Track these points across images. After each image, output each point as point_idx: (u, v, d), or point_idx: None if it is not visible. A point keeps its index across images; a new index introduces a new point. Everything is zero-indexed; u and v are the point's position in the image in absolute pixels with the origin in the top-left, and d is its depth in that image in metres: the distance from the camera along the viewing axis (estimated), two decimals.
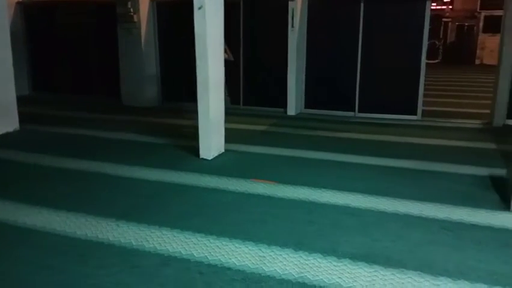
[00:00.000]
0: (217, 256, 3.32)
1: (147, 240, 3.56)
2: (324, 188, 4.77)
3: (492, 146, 6.47)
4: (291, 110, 8.97)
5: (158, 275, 3.07)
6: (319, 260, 3.27)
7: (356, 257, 3.31)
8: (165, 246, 3.46)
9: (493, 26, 18.50)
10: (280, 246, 3.47)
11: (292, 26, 8.58)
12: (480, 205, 4.29)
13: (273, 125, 8.09)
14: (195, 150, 5.93)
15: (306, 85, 9.20)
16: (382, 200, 4.42)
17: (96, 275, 3.06)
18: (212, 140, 5.83)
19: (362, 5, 8.47)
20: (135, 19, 9.54)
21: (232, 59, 6.95)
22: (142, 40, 9.69)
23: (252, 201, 4.45)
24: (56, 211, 4.14)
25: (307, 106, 9.28)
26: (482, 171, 5.29)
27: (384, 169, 5.46)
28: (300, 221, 3.95)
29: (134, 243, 3.52)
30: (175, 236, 3.64)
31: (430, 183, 4.96)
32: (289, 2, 8.48)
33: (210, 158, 5.83)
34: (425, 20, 8.10)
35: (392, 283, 2.97)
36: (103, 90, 10.81)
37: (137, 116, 8.86)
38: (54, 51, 11.27)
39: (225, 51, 6.71)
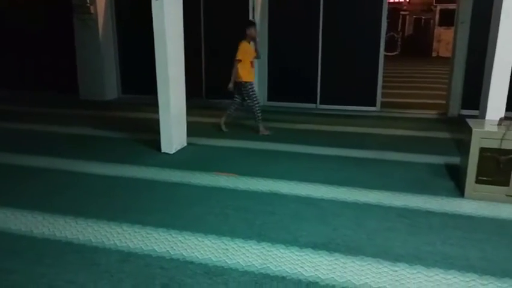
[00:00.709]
0: (179, 250, 3.29)
1: (107, 237, 3.48)
2: (286, 179, 4.82)
3: (447, 135, 6.72)
4: None
5: (118, 271, 3.01)
6: (281, 250, 3.30)
7: (317, 246, 3.36)
8: (126, 243, 3.40)
9: (448, 19, 19.13)
10: (243, 239, 3.48)
11: (253, 17, 8.56)
12: (436, 192, 4.45)
13: (235, 118, 8.05)
14: (156, 145, 5.84)
15: (268, 78, 9.22)
16: (342, 190, 4.51)
17: (50, 274, 2.97)
18: (173, 133, 5.75)
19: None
20: (92, 10, 9.25)
21: (259, 57, 7.02)
22: (100, 32, 9.42)
23: (214, 194, 4.43)
24: (11, 210, 3.98)
25: (269, 98, 9.32)
26: (438, 159, 5.49)
27: (344, 159, 5.57)
28: (262, 213, 3.98)
29: (93, 241, 3.43)
30: (136, 232, 3.58)
31: (388, 172, 5.10)
32: None
33: (171, 152, 5.76)
34: (383, 13, 8.28)
35: (352, 270, 3.04)
36: (59, 84, 10.44)
37: (96, 110, 8.62)
38: (6, 43, 10.77)
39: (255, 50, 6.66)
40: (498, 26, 4.52)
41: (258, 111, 6.73)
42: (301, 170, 5.16)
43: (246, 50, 6.63)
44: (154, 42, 5.49)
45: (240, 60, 6.55)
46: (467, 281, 2.91)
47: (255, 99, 6.70)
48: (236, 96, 6.86)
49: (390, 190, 4.51)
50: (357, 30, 8.54)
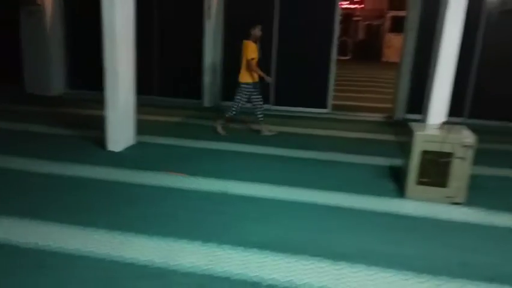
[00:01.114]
0: (120, 252, 3.19)
1: (43, 238, 3.32)
2: (236, 179, 4.80)
3: (392, 138, 6.96)
4: (207, 102, 8.90)
5: (59, 273, 2.87)
6: (228, 251, 3.28)
7: (264, 246, 3.37)
8: (64, 244, 3.25)
9: (398, 25, 19.82)
10: (189, 239, 3.43)
11: (209, 17, 8.49)
12: (380, 193, 4.59)
13: (188, 117, 7.97)
14: (103, 142, 5.65)
15: (222, 77, 9.18)
16: (292, 190, 4.55)
17: None
18: (121, 131, 5.59)
19: (277, 0, 8.62)
20: (39, 1, 8.83)
21: (269, 80, 6.84)
22: (47, 24, 9.00)
23: (161, 194, 4.34)
24: None
25: (224, 98, 9.26)
26: (383, 161, 5.66)
27: (294, 160, 5.63)
28: (211, 213, 3.94)
29: (40, 244, 3.26)
30: (77, 233, 3.44)
31: (336, 173, 5.21)
32: None
33: (118, 150, 5.59)
34: (335, 19, 8.46)
35: (295, 270, 3.07)
36: (3, 76, 9.87)
37: (42, 105, 8.23)
38: None
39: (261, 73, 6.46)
40: (442, 35, 4.73)
41: (261, 113, 6.70)
42: (252, 170, 5.17)
43: (254, 50, 6.49)
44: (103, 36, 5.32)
45: (254, 59, 6.41)
46: (406, 279, 3.01)
47: (259, 100, 6.66)
48: (256, 98, 6.71)
49: (337, 191, 4.60)
50: (311, 34, 8.66)
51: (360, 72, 17.72)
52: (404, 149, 4.94)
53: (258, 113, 6.74)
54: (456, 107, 7.96)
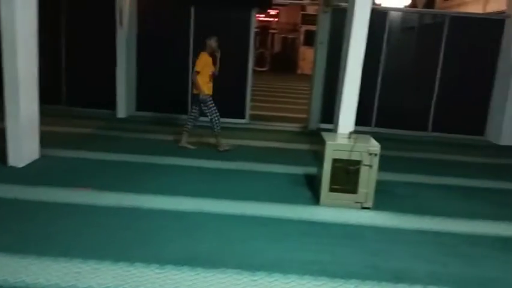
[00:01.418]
0: (21, 277, 2.90)
1: None
2: (151, 193, 4.64)
3: (307, 147, 7.20)
4: (121, 112, 8.56)
5: None
6: (141, 269, 3.13)
7: (180, 261, 3.26)
8: None
9: (311, 39, 20.77)
10: (98, 259, 3.21)
11: (121, 24, 8.20)
12: (295, 201, 4.70)
13: (100, 128, 7.59)
14: (3, 157, 5.16)
15: (137, 86, 8.90)
16: (208, 202, 4.50)
17: None
18: (23, 144, 5.15)
19: (192, 10, 8.56)
20: None
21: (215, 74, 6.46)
22: None
23: (67, 211, 4.05)
24: None
25: (139, 108, 8.98)
26: (299, 170, 5.82)
27: (212, 171, 5.58)
28: (122, 230, 3.74)
29: None
30: None
31: (253, 183, 5.24)
32: (116, 0, 8.08)
33: (20, 166, 5.13)
34: (251, 30, 8.61)
35: (212, 284, 3.01)
36: None
37: None
38: None
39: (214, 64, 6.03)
40: (348, 51, 5.00)
41: (218, 125, 6.45)
42: (167, 182, 5.03)
43: (205, 62, 6.24)
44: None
45: (198, 72, 6.20)
46: (320, 285, 3.09)
47: (214, 112, 6.40)
48: (193, 109, 6.52)
49: (254, 200, 4.63)
50: (227, 45, 8.70)
51: (277, 83, 18.24)
52: (318, 157, 5.12)
53: (189, 123, 6.62)
54: (365, 117, 8.52)
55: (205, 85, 6.33)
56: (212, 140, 6.80)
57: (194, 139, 6.89)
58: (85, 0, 8.66)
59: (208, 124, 6.60)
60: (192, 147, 6.64)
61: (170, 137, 7.25)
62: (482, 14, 10.15)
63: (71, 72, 8.89)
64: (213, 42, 6.42)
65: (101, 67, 8.63)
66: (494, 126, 8.56)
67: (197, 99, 6.40)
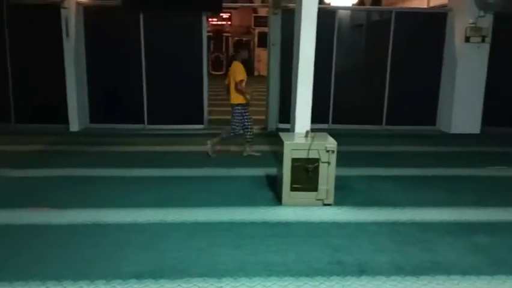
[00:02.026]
0: None
1: None
2: (110, 207, 4.52)
3: (267, 148, 7.24)
4: (74, 126, 8.29)
5: None
6: (102, 286, 3.04)
7: (143, 275, 3.20)
8: None
9: (265, 41, 20.92)
10: (57, 280, 3.10)
11: (68, 35, 7.95)
12: (258, 203, 4.71)
13: (52, 144, 7.33)
14: None
15: (90, 98, 8.66)
16: (170, 211, 4.43)
17: None
18: None
19: (141, 17, 8.43)
20: None
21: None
22: None
23: (24, 233, 3.88)
24: None
25: (93, 120, 8.74)
26: (260, 172, 5.84)
27: (172, 179, 5.51)
28: (82, 248, 3.63)
29: None
30: None
31: (215, 188, 5.21)
32: (62, 10, 7.82)
33: None
34: (203, 34, 8.57)
35: None
36: None
37: None
38: None
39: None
40: (299, 51, 5.07)
41: (233, 134, 6.53)
42: (127, 195, 4.91)
43: (243, 71, 6.22)
44: None
45: (243, 80, 6.23)
46: (285, 285, 3.11)
47: (235, 124, 6.49)
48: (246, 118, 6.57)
49: (217, 206, 4.61)
50: (181, 51, 8.65)
51: None
52: (277, 158, 5.16)
53: (247, 134, 6.59)
54: (321, 115, 8.67)
55: (244, 94, 6.41)
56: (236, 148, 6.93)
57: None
58: (29, 13, 8.33)
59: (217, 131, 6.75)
60: (256, 154, 6.70)
61: (126, 148, 7.10)
62: (426, 8, 10.54)
63: (19, 87, 8.53)
64: (246, 54, 6.75)
65: (50, 80, 8.34)
66: (444, 116, 8.93)
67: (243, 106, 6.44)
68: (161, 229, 4.02)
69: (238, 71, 6.26)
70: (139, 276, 3.18)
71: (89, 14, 8.40)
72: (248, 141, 6.69)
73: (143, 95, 8.68)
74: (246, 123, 6.56)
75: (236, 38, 25.46)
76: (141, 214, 4.35)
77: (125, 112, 8.76)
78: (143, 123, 8.78)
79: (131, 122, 8.71)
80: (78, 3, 8.18)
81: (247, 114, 6.58)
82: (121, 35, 8.58)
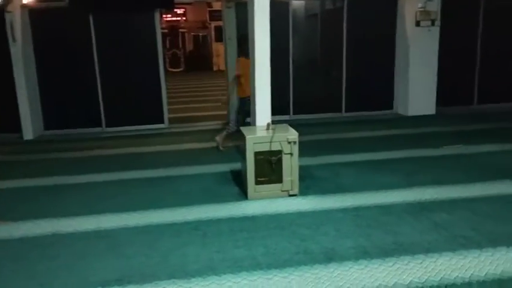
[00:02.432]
0: None
1: None
2: (71, 215, 4.37)
3: (230, 143, 7.18)
4: (28, 134, 7.96)
5: None
6: None
7: (109, 283, 3.11)
8: None
9: (222, 35, 20.79)
10: None
11: (14, 40, 7.59)
12: (223, 199, 4.69)
13: (4, 154, 7.03)
14: None
15: (42, 104, 8.33)
16: (134, 215, 4.34)
17: None
18: None
19: (91, 16, 8.16)
20: None
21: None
22: None
23: None
24: None
25: (48, 127, 8.42)
26: (224, 167, 5.81)
27: (134, 182, 5.39)
28: (43, 259, 3.49)
29: None
30: None
31: (180, 187, 5.15)
32: (6, 14, 7.45)
33: None
34: (157, 31, 8.39)
35: None
36: None
37: None
38: None
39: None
40: (254, 43, 5.04)
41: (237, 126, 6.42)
42: (88, 201, 4.77)
43: (247, 65, 5.93)
44: None
45: (240, 75, 6.41)
46: (254, 279, 3.11)
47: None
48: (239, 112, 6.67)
49: (183, 205, 4.55)
50: (135, 49, 8.44)
51: (195, 82, 18.06)
52: (241, 152, 5.14)
53: (231, 125, 6.71)
54: (282, 107, 8.72)
55: (248, 87, 6.20)
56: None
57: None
58: None
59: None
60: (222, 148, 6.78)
61: (85, 153, 6.88)
62: None
63: None
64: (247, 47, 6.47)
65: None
66: (400, 99, 9.17)
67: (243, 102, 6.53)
68: (125, 234, 3.93)
69: (240, 66, 6.50)
70: (105, 284, 3.10)
71: (35, 17, 8.05)
72: (225, 134, 6.82)
73: (99, 97, 8.43)
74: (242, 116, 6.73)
75: (192, 34, 25.24)
76: (104, 220, 4.23)
77: (81, 116, 8.49)
78: (101, 126, 8.54)
79: (88, 126, 8.45)
80: (23, 7, 7.81)
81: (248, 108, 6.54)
82: (71, 36, 8.28)
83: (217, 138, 6.82)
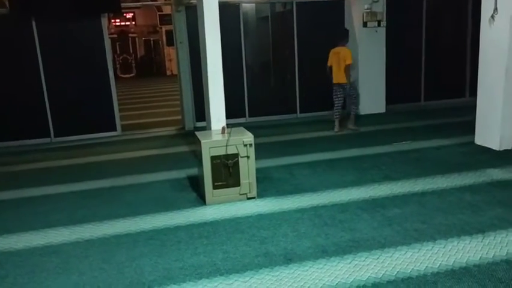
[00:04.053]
0: None
1: None
2: (19, 231, 4.15)
3: (186, 149, 7.11)
4: None
5: None
6: None
7: None
8: None
9: (173, 39, 20.54)
10: None
11: None
12: (181, 206, 4.61)
13: None
14: None
15: None
16: (86, 228, 4.17)
17: None
18: None
19: (34, 24, 7.79)
20: None
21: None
22: None
23: None
24: None
25: None
26: (180, 173, 5.72)
27: (86, 193, 5.19)
28: None
29: None
30: None
31: (135, 197, 5.00)
32: None
33: None
34: (105, 36, 8.14)
35: None
36: None
37: None
38: None
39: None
40: (205, 47, 5.00)
41: (358, 104, 7.93)
42: (37, 216, 4.55)
43: (334, 55, 7.42)
44: None
45: (351, 64, 7.37)
46: (215, 286, 3.06)
47: (355, 93, 7.81)
48: (339, 97, 7.57)
49: (137, 215, 4.42)
50: (82, 55, 8.15)
51: (147, 87, 17.74)
52: (197, 157, 5.08)
53: (354, 108, 7.76)
54: (238, 110, 8.72)
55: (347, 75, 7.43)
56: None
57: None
58: None
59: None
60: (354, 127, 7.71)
61: (32, 165, 6.57)
62: None
63: None
64: (347, 39, 7.80)
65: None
66: None
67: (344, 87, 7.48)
68: (78, 248, 3.77)
69: (348, 55, 7.29)
70: None
71: None
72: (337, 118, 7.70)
73: (46, 107, 8.07)
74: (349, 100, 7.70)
75: (143, 38, 24.77)
76: (55, 235, 4.05)
77: (27, 127, 8.08)
78: (50, 136, 8.17)
79: (35, 137, 8.06)
80: None
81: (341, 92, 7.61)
82: (13, 44, 7.86)
83: (350, 126, 7.70)
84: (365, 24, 8.81)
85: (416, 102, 9.85)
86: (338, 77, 7.39)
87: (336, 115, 7.65)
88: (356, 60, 9.00)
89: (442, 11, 9.97)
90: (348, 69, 7.35)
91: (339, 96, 7.57)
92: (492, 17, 5.80)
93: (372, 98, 9.10)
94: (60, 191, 5.31)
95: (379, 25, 8.84)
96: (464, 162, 5.55)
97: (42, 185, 5.56)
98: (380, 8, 8.78)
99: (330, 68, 7.51)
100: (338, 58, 7.35)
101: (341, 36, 7.66)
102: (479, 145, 6.24)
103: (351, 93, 7.60)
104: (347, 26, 9.16)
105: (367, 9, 8.70)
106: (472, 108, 6.43)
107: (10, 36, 7.82)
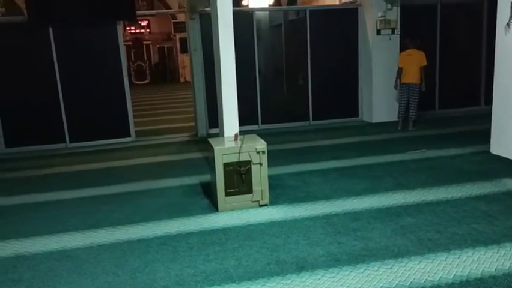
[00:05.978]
0: None
1: None
2: (34, 235, 4.21)
3: (199, 155, 7.14)
4: None
5: None
6: None
7: None
8: None
9: (187, 46, 20.74)
10: None
11: None
12: (193, 212, 4.63)
13: None
14: None
15: (2, 122, 8.01)
16: (100, 233, 4.21)
17: None
18: None
19: (51, 31, 7.94)
20: None
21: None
22: None
23: None
24: None
25: (8, 145, 8.11)
26: (193, 180, 5.75)
27: (101, 199, 5.24)
28: (2, 284, 3.33)
29: None
30: None
31: (148, 202, 5.04)
32: None
33: None
34: (120, 43, 8.26)
35: None
36: None
37: None
38: None
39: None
40: (219, 54, 5.03)
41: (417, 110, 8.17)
42: (52, 220, 4.60)
43: (405, 58, 7.93)
44: None
45: (401, 68, 7.96)
46: None
47: (418, 98, 8.07)
48: (405, 97, 8.05)
49: (152, 221, 4.45)
50: (98, 62, 8.27)
51: (161, 94, 17.90)
52: (210, 164, 5.10)
53: (413, 110, 8.12)
54: (251, 117, 8.75)
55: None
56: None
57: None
58: None
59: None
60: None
61: (48, 171, 6.66)
62: (338, 5, 10.97)
63: None
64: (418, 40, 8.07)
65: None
66: (365, 107, 9.36)
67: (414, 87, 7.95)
68: (92, 253, 3.80)
69: (423, 58, 7.84)
70: None
71: None
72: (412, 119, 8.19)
73: (62, 113, 8.20)
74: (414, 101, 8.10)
75: (157, 46, 25.05)
76: (69, 239, 4.09)
77: (43, 132, 8.21)
78: (65, 142, 8.29)
79: (51, 142, 8.18)
80: None
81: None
82: (30, 52, 8.03)
83: (410, 128, 8.15)
84: (378, 32, 8.79)
85: (430, 111, 9.77)
86: (410, 77, 7.90)
87: (400, 115, 8.19)
88: (369, 68, 9.00)
89: (457, 19, 9.89)
90: (422, 70, 7.88)
91: (405, 96, 8.05)
92: (508, 24, 5.75)
93: (385, 106, 9.04)
94: (75, 196, 5.37)
95: (393, 33, 8.82)
96: (479, 172, 5.47)
97: (57, 189, 5.63)
98: (394, 15, 8.75)
99: (401, 69, 8.00)
100: (411, 60, 7.86)
101: (411, 39, 8.02)
102: (494, 154, 6.15)
103: (415, 96, 7.98)
104: (361, 33, 9.16)
105: (381, 16, 8.69)
106: (487, 117, 6.35)
107: (28, 44, 7.98)
